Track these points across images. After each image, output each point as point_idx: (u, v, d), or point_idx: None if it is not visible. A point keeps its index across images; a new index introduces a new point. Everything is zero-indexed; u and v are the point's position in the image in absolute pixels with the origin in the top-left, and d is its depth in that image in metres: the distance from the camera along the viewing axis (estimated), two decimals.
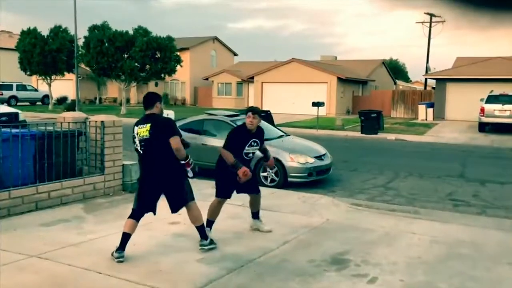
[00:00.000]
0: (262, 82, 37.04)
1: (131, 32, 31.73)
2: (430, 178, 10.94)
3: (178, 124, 10.92)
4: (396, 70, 65.09)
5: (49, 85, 35.62)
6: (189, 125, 10.89)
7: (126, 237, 4.70)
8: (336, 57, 47.95)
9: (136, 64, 31.34)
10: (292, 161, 9.30)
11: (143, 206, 4.82)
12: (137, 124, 4.81)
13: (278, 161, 9.31)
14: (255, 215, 6.04)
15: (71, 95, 39.11)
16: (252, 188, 5.93)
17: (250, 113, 5.71)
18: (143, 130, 4.66)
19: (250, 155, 5.82)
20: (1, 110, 15.22)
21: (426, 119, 29.43)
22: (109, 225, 6.06)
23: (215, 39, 48.67)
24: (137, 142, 4.71)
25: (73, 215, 6.49)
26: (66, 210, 6.73)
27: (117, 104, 41.53)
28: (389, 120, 28.69)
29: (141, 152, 4.73)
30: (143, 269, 4.56)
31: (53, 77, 35.21)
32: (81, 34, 40.14)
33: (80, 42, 32.21)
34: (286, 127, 19.54)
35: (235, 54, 52.02)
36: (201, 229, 5.11)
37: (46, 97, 38.69)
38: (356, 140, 19.77)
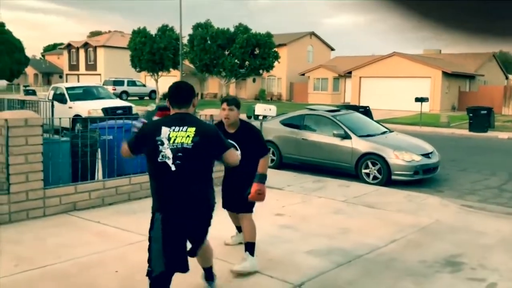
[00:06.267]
0: (360, 77, 36.20)
1: (232, 29, 32.74)
2: None
3: (279, 119, 11.11)
4: (508, 64, 59.89)
5: (156, 81, 38.00)
6: (289, 120, 11.02)
7: None
8: (440, 51, 45.35)
9: (236, 60, 32.31)
10: (397, 159, 9.00)
11: (172, 262, 3.17)
12: (166, 124, 3.16)
13: (381, 158, 9.09)
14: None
15: None
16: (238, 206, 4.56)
17: (224, 104, 4.27)
18: (182, 135, 3.10)
19: None
20: (117, 104, 16.64)
21: None
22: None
23: (312, 34, 48.48)
24: (166, 151, 3.07)
25: None
26: None
27: (217, 99, 43.12)
28: (500, 117, 26.56)
29: (173, 168, 3.08)
30: None
31: (159, 73, 37.49)
32: (186, 32, 42.23)
33: (185, 40, 33.92)
34: (386, 123, 18.91)
35: (332, 49, 51.41)
36: (208, 270, 3.95)
37: (153, 92, 41.33)
38: (463, 138, 18.58)
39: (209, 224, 3.44)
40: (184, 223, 3.19)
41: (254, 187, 4.19)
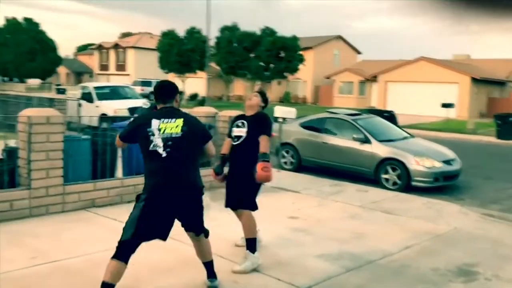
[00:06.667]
0: (387, 81, 35.76)
1: (258, 32, 32.89)
2: None
3: (299, 121, 11.09)
4: None
5: (183, 82, 38.43)
6: (310, 123, 10.98)
7: None
8: (469, 56, 44.37)
9: (261, 63, 32.43)
10: (417, 165, 8.87)
11: (143, 234, 3.48)
12: (156, 116, 3.51)
13: (401, 164, 8.97)
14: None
15: (201, 92, 41.81)
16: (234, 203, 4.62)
17: (253, 93, 5.07)
18: (172, 126, 3.45)
19: (235, 139, 4.59)
20: (141, 105, 16.90)
21: None
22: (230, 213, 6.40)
23: (339, 37, 48.16)
24: (157, 140, 3.41)
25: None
26: None
27: (242, 101, 43.32)
28: None
29: (164, 155, 3.41)
30: (263, 259, 4.73)
31: (186, 75, 37.92)
32: (213, 35, 42.63)
33: (212, 42, 34.22)
34: (411, 129, 18.63)
35: (358, 53, 50.97)
36: (208, 266, 4.00)
37: (180, 93, 41.74)
38: (491, 145, 18.14)
39: (201, 207, 3.69)
40: (168, 211, 3.50)
41: (259, 166, 4.22)
